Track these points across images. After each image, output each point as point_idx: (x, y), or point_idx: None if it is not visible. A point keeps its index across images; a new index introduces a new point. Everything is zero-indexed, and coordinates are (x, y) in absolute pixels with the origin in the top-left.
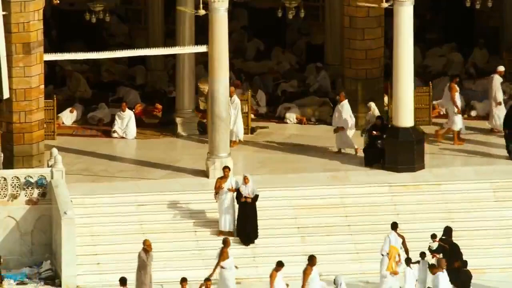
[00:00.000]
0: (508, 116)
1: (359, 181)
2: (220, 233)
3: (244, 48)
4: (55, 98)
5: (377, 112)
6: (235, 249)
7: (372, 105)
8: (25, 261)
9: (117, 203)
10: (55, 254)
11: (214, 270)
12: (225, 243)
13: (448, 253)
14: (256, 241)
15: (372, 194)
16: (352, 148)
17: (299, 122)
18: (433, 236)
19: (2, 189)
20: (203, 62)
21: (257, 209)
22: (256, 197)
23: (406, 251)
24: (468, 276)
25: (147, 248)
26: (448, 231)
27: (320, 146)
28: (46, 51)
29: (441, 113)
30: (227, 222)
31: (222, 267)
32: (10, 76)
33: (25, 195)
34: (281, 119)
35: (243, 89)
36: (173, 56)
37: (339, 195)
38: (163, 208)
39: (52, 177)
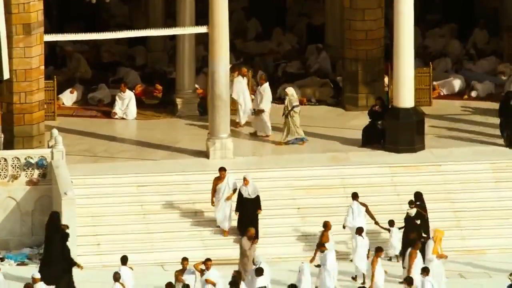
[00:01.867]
0: (502, 104)
1: (359, 162)
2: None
3: (245, 28)
4: (55, 79)
5: (295, 98)
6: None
7: (290, 90)
8: (26, 241)
9: (117, 184)
10: None
11: (315, 253)
12: (326, 226)
13: (425, 220)
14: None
15: (372, 175)
16: (267, 133)
17: (300, 102)
18: (411, 203)
19: (2, 170)
20: (203, 43)
21: (259, 190)
22: (258, 198)
23: (372, 218)
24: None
25: (250, 236)
26: (419, 196)
27: (320, 126)
28: (47, 32)
29: (442, 93)
30: (226, 223)
31: (321, 251)
32: (10, 57)
33: (26, 176)
34: (281, 100)
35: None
36: (173, 37)
37: (339, 175)
38: (163, 189)
39: (52, 158)
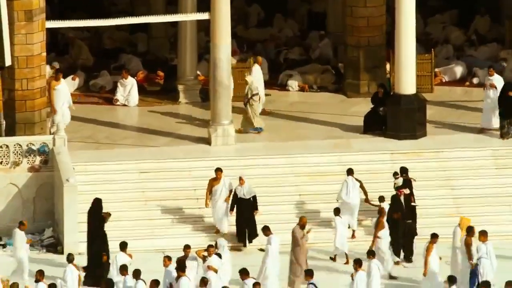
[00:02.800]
0: (502, 94)
1: (361, 148)
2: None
3: (246, 15)
4: (58, 66)
5: (254, 86)
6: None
7: (249, 78)
8: (28, 228)
9: (119, 170)
10: (57, 221)
11: (373, 241)
12: (381, 212)
13: (411, 188)
14: (258, 208)
15: (373, 161)
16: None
17: (301, 89)
18: (395, 174)
19: (4, 157)
20: (204, 29)
21: (260, 176)
22: (254, 198)
23: (365, 194)
24: (411, 228)
25: (302, 225)
26: (405, 170)
27: (321, 113)
28: (48, 18)
29: (443, 80)
30: (224, 224)
31: (378, 237)
32: (12, 43)
33: (27, 163)
34: (283, 87)
35: (242, 56)
36: (175, 23)
37: (341, 162)
38: (165, 175)
39: (54, 145)
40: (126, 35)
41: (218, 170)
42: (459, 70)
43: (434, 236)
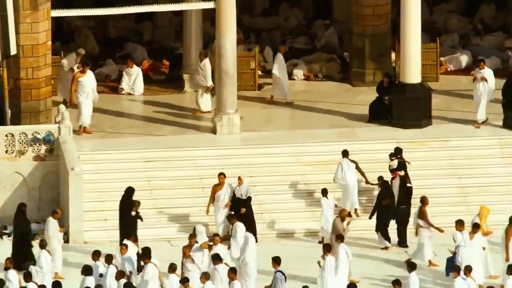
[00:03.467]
0: (507, 85)
1: (366, 137)
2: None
3: (251, 3)
4: (62, 55)
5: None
6: None
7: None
8: (33, 217)
9: (124, 159)
10: (62, 210)
11: (434, 227)
12: (424, 201)
13: (406, 169)
14: (263, 197)
15: (379, 150)
16: (202, 109)
17: (306, 78)
18: (391, 155)
19: (9, 145)
20: (210, 18)
21: (265, 165)
22: (249, 199)
23: (362, 175)
24: (404, 214)
25: (343, 217)
26: (399, 150)
27: (327, 102)
28: (54, 7)
29: (448, 69)
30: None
31: (421, 226)
32: (17, 32)
33: (33, 151)
34: (288, 76)
35: (246, 45)
36: (180, 12)
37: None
38: (170, 164)
39: (59, 133)
40: (131, 24)
41: (221, 175)
42: (464, 59)
43: None
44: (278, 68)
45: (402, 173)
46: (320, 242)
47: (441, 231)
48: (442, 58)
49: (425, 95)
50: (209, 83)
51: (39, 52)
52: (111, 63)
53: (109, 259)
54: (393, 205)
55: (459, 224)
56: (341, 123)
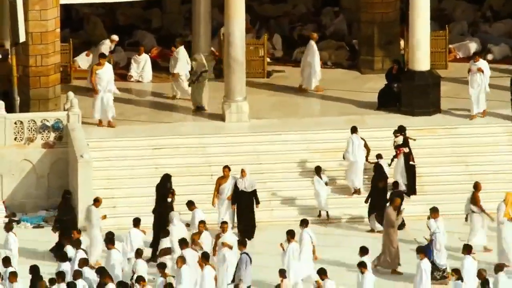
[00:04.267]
0: None
1: (375, 125)
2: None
3: None
4: (71, 42)
5: (203, 64)
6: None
7: (198, 56)
8: (42, 204)
9: (133, 147)
10: (71, 197)
11: (486, 213)
12: (477, 187)
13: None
14: (271, 184)
15: (387, 138)
16: (183, 96)
17: None
18: (396, 132)
19: (18, 133)
20: (218, 5)
21: (273, 153)
22: (254, 192)
23: (368, 151)
24: (399, 195)
25: (395, 206)
26: (403, 128)
27: (336, 89)
28: None
29: (457, 56)
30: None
31: (473, 212)
32: (26, 20)
33: (42, 139)
34: (297, 63)
35: (254, 33)
36: None
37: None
38: (179, 152)
39: (68, 121)
40: (140, 11)
41: (226, 168)
42: (473, 46)
43: None
44: (311, 55)
45: (406, 149)
46: (318, 217)
47: (492, 218)
48: (451, 46)
49: (434, 83)
50: (177, 70)
51: (48, 39)
52: (119, 50)
53: (77, 243)
54: (386, 187)
55: (434, 211)
56: (350, 110)
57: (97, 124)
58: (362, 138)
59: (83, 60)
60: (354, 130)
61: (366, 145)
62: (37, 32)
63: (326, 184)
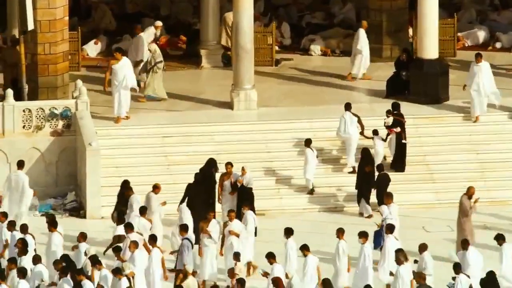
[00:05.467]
0: None
1: (383, 113)
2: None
3: None
4: (79, 30)
5: (158, 54)
6: (259, 181)
7: (152, 46)
8: (50, 192)
9: (142, 135)
10: (80, 185)
11: None
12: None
13: (404, 127)
14: (280, 172)
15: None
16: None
17: (324, 54)
18: (388, 112)
19: (27, 121)
20: None
21: (282, 141)
22: (250, 189)
23: (362, 128)
24: (385, 177)
25: (470, 195)
26: (397, 106)
27: (344, 77)
28: None
29: (466, 45)
30: None
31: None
32: (34, 8)
33: (50, 127)
34: (306, 51)
35: (261, 21)
36: None
37: (365, 126)
38: (187, 140)
39: (76, 109)
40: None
41: (228, 164)
42: (481, 34)
43: None
44: (361, 43)
45: (397, 129)
46: (309, 193)
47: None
48: (459, 34)
49: (442, 71)
50: (140, 57)
51: (56, 27)
52: (128, 38)
53: (12, 225)
54: (373, 172)
55: (388, 197)
56: (358, 98)
57: (115, 120)
58: (355, 115)
59: (92, 49)
60: (347, 107)
61: (360, 121)
62: (45, 20)
63: (317, 157)
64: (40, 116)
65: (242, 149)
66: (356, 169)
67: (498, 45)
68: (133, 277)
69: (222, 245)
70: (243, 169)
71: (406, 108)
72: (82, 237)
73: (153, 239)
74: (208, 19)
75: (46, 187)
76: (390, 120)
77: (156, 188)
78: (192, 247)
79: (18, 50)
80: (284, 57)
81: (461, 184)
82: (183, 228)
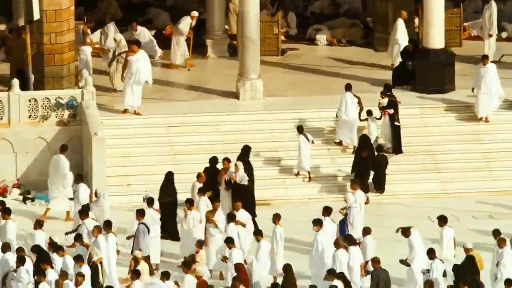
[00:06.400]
0: None
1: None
2: None
3: None
4: (85, 20)
5: (124, 45)
6: (264, 170)
7: (118, 36)
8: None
9: (147, 125)
10: (85, 175)
11: None
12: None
13: (397, 107)
14: (286, 162)
15: (402, 116)
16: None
17: (329, 43)
18: (382, 93)
19: (32, 111)
20: None
21: (287, 131)
22: (243, 186)
23: (361, 109)
24: (383, 159)
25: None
26: (389, 87)
27: (350, 67)
28: None
29: (472, 34)
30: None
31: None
32: None
33: (56, 116)
34: (311, 41)
35: (269, 9)
36: None
37: (370, 116)
38: (193, 130)
39: (82, 98)
40: None
41: (225, 160)
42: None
43: None
44: (399, 34)
45: (391, 111)
46: (296, 175)
47: None
48: (465, 24)
49: (449, 61)
50: (107, 46)
51: (62, 17)
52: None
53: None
54: (371, 157)
55: (353, 183)
56: (364, 88)
57: (122, 111)
58: (356, 96)
59: (98, 38)
60: (348, 88)
61: (360, 103)
62: (51, 10)
63: (313, 142)
64: (46, 105)
65: (248, 139)
66: (355, 146)
67: (504, 34)
68: (101, 263)
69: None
70: (236, 166)
71: (412, 98)
72: (38, 224)
73: (108, 225)
74: (214, 9)
75: None
76: (385, 101)
77: (199, 177)
78: (149, 232)
79: (24, 40)
80: (290, 47)
81: (465, 174)
82: (140, 213)
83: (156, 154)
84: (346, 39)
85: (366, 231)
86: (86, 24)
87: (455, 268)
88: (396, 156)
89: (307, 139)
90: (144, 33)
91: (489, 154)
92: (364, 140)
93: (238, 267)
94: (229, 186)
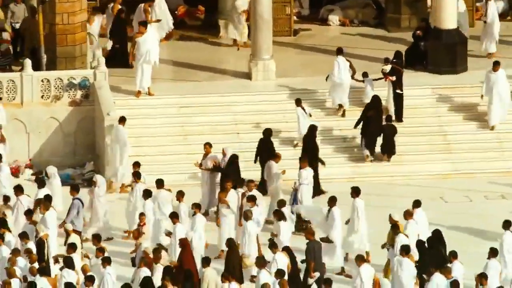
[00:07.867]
0: None
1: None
2: None
3: None
4: (98, 0)
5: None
6: (279, 150)
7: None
8: (68, 162)
9: (159, 105)
10: (98, 155)
11: None
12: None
13: (401, 77)
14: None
15: (414, 96)
16: None
17: (342, 24)
18: (386, 60)
19: (45, 91)
20: None
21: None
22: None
23: (353, 71)
24: (391, 127)
25: None
26: (399, 55)
27: (362, 48)
28: None
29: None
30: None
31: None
32: None
33: (68, 97)
34: (324, 21)
35: None
36: None
37: (383, 97)
38: (205, 110)
39: (95, 79)
40: None
41: (207, 145)
42: (500, 4)
43: None
44: (490, 17)
45: (393, 78)
46: (295, 146)
47: None
48: (478, 4)
49: (461, 41)
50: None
51: None
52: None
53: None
54: (378, 119)
55: (302, 160)
56: (376, 68)
57: (135, 94)
58: (348, 60)
59: (110, 18)
60: (339, 52)
61: (351, 66)
62: None
63: (310, 115)
64: (58, 86)
65: (260, 120)
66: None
67: None
68: (47, 239)
69: (240, 216)
70: (223, 150)
71: (424, 78)
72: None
73: (48, 199)
74: None
75: (64, 157)
76: (388, 67)
77: (276, 157)
78: (83, 207)
79: (36, 20)
80: (303, 27)
81: (478, 155)
82: (74, 188)
83: (167, 135)
84: (359, 19)
85: (332, 200)
86: (147, 3)
87: (419, 243)
88: (408, 137)
89: (305, 111)
90: (160, 4)
91: (501, 135)
92: (375, 100)
93: (183, 242)
94: (215, 171)
